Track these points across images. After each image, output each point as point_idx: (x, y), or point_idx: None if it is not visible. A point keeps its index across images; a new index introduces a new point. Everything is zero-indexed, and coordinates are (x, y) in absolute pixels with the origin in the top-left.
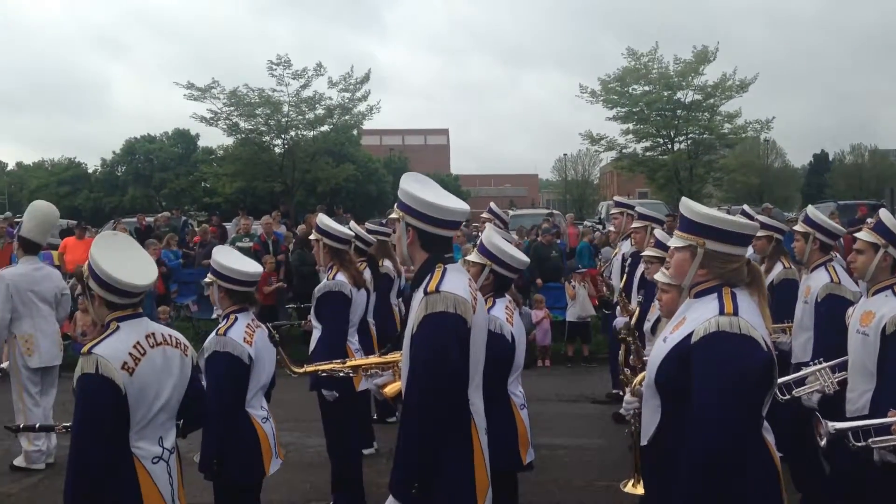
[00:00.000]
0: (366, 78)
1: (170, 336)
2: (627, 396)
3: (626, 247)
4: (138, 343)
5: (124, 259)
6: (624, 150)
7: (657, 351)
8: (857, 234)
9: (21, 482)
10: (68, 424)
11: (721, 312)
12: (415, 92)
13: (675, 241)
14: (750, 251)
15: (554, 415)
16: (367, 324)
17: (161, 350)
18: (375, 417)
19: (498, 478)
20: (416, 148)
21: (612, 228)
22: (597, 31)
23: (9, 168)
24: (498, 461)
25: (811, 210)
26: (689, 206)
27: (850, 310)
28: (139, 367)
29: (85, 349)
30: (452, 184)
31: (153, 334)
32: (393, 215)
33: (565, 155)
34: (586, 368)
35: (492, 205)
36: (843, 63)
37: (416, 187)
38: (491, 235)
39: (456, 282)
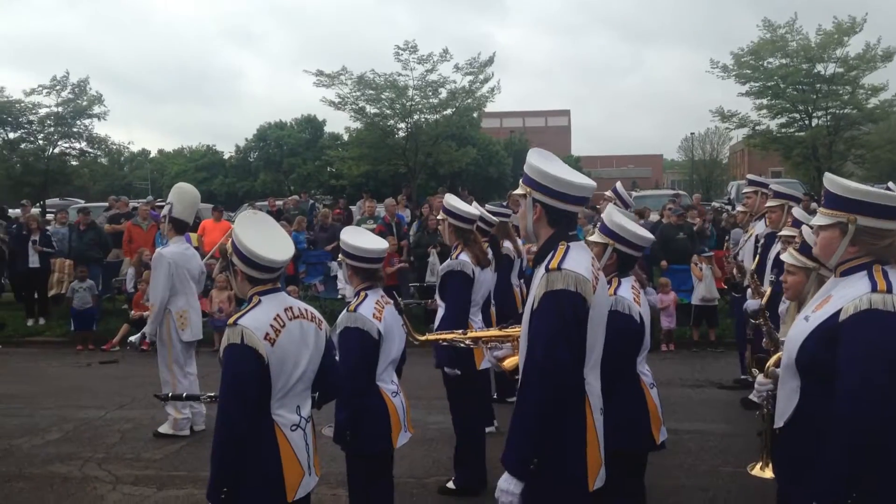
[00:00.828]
0: (490, 61)
1: (306, 310)
2: (760, 378)
3: (759, 227)
4: (278, 315)
5: (265, 237)
6: (757, 127)
7: (798, 330)
8: None
9: (164, 448)
10: (213, 395)
11: (874, 290)
12: (534, 73)
13: (820, 220)
14: None
15: (678, 399)
16: (489, 303)
17: (298, 323)
18: (496, 396)
19: (627, 457)
20: (537, 130)
21: (741, 209)
22: (726, 3)
23: (151, 155)
24: (629, 441)
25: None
26: (837, 182)
27: None
28: (280, 337)
29: (231, 321)
30: (573, 165)
31: (291, 308)
32: (519, 191)
33: (692, 134)
34: (712, 353)
35: (618, 185)
36: None
37: (544, 162)
38: (612, 213)
39: (579, 259)
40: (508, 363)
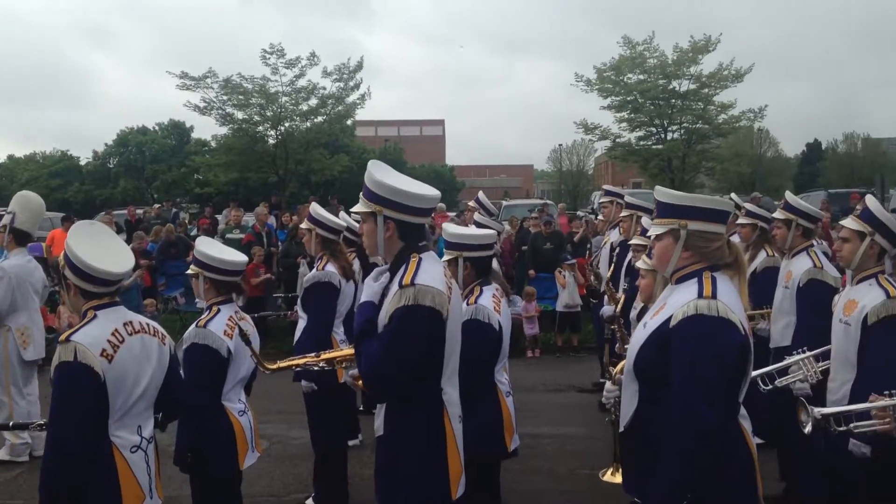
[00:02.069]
0: (359, 66)
1: (147, 324)
2: (608, 385)
3: (614, 236)
4: (116, 331)
5: (100, 248)
6: (618, 140)
7: (637, 337)
8: (842, 223)
9: (0, 475)
10: (43, 422)
11: (700, 296)
12: (407, 82)
13: (655, 230)
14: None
15: (540, 404)
16: (351, 316)
17: (139, 338)
18: (362, 409)
19: (480, 465)
20: (412, 139)
21: (600, 218)
22: (591, 19)
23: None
24: (481, 448)
25: (790, 196)
26: (665, 192)
27: (836, 297)
28: (118, 354)
29: (62, 338)
30: (448, 175)
31: (131, 322)
32: (363, 209)
33: (560, 145)
34: (575, 358)
35: (480, 194)
36: (836, 51)
37: (388, 176)
38: (447, 227)
39: (432, 272)
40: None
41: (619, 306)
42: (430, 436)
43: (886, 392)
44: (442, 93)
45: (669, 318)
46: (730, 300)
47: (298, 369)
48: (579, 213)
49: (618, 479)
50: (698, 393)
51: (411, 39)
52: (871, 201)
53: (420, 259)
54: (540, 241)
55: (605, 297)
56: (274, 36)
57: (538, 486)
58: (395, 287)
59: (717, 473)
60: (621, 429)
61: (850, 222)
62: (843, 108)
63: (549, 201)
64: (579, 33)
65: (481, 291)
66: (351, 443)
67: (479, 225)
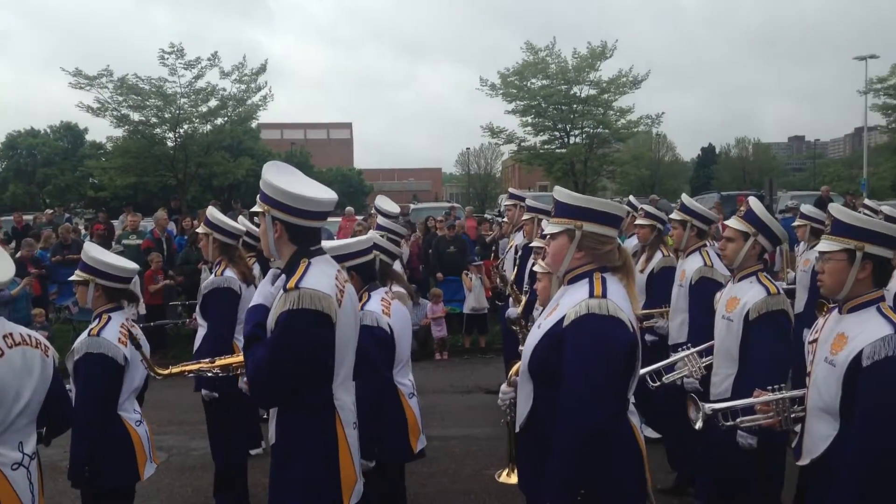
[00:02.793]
0: (262, 69)
1: (29, 336)
2: (503, 387)
3: (518, 238)
4: None
5: None
6: (523, 144)
7: (531, 338)
8: (727, 223)
9: None
10: None
11: (591, 295)
12: (311, 84)
13: (550, 228)
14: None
15: (448, 406)
16: None
17: (20, 350)
18: (265, 416)
19: (385, 470)
20: (319, 142)
21: (506, 220)
22: (494, 24)
23: None
24: (386, 453)
25: (686, 198)
26: (563, 192)
27: (718, 295)
28: None
29: None
30: (356, 178)
31: (11, 335)
32: (257, 208)
33: (468, 149)
34: (482, 359)
35: (378, 198)
36: (729, 59)
37: (282, 179)
38: (324, 245)
39: (320, 276)
40: None
41: (521, 308)
42: (321, 442)
43: (770, 387)
44: (347, 95)
45: (562, 319)
46: (619, 299)
47: (191, 375)
48: (486, 215)
49: (513, 479)
50: (588, 390)
51: (313, 41)
52: (754, 203)
53: (310, 263)
54: (444, 245)
55: (510, 298)
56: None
57: (444, 487)
58: (280, 292)
59: (607, 468)
60: (517, 429)
61: (734, 223)
62: (735, 114)
63: (456, 204)
64: (483, 38)
65: (369, 297)
66: (254, 452)
67: (382, 229)
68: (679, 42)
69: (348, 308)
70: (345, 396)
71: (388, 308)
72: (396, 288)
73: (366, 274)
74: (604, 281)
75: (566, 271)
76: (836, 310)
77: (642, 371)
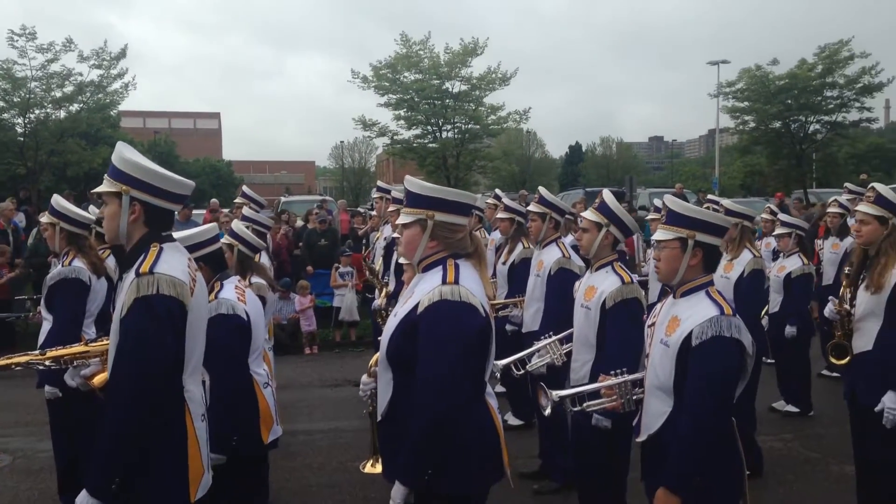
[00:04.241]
0: (122, 54)
1: None
2: (364, 377)
3: (387, 231)
4: None
5: None
6: (395, 137)
7: (389, 326)
8: (583, 214)
9: None
10: None
11: (444, 282)
12: (174, 71)
13: (403, 219)
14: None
15: (315, 400)
16: (107, 315)
17: None
18: None
19: (241, 463)
20: (185, 132)
21: (374, 213)
22: (365, 17)
23: None
24: (239, 446)
25: (543, 191)
26: (414, 182)
27: (577, 283)
28: None
29: None
30: (225, 170)
31: None
32: (108, 188)
33: (342, 142)
34: (353, 352)
35: (244, 188)
36: (594, 61)
37: (138, 156)
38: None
39: (173, 262)
40: (98, 380)
41: (385, 298)
42: (168, 434)
43: (613, 371)
44: (212, 83)
45: (417, 306)
46: (472, 285)
47: (19, 368)
48: (360, 209)
49: (378, 469)
50: (442, 375)
51: (172, 26)
52: (606, 195)
53: (161, 248)
54: (315, 238)
55: (377, 290)
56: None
57: (308, 481)
58: (131, 276)
59: (462, 450)
60: (379, 418)
61: (589, 214)
62: (600, 113)
63: (328, 198)
64: (353, 30)
65: (221, 286)
66: None
67: (246, 219)
68: (546, 42)
69: (200, 298)
70: (194, 388)
71: (243, 296)
72: (256, 279)
73: (214, 264)
74: (457, 267)
75: (420, 259)
76: (671, 294)
77: (507, 360)
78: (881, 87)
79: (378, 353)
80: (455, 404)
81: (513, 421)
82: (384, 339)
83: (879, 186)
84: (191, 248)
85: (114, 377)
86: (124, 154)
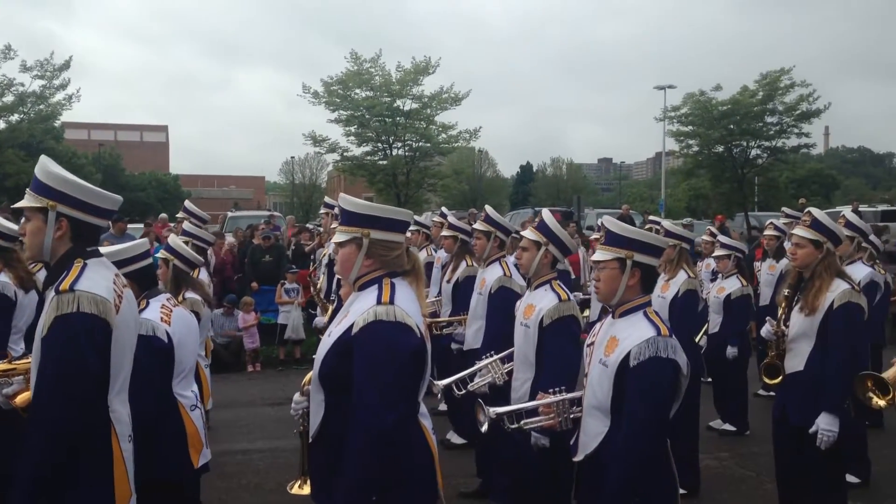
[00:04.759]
0: (66, 65)
1: None
2: (296, 396)
3: (332, 247)
4: None
5: None
6: (346, 154)
7: (323, 346)
8: (522, 233)
9: None
10: None
11: (379, 302)
12: (119, 83)
13: (338, 237)
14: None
15: (256, 419)
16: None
17: None
18: None
19: (164, 486)
20: (132, 144)
21: (322, 229)
22: (316, 33)
23: None
24: (163, 469)
25: (490, 210)
26: (349, 200)
27: (518, 303)
28: None
29: None
30: (172, 183)
31: None
32: (32, 204)
33: (293, 157)
34: (297, 371)
35: (187, 202)
36: (546, 83)
37: (63, 171)
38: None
39: (97, 278)
40: (20, 400)
41: (328, 315)
42: (93, 456)
43: (552, 389)
44: (159, 96)
45: (352, 326)
46: (407, 305)
47: None
48: (309, 225)
49: (306, 490)
50: (377, 395)
51: (117, 36)
52: (545, 215)
53: (85, 264)
54: (259, 254)
55: (319, 308)
56: None
57: (244, 502)
58: (51, 293)
59: (398, 471)
60: (310, 439)
61: (528, 233)
62: (551, 134)
63: (276, 213)
64: (304, 45)
65: (147, 304)
66: None
67: (186, 234)
68: (497, 63)
69: (127, 314)
70: (120, 408)
71: (169, 315)
72: (190, 294)
73: (143, 280)
74: (392, 286)
75: (356, 278)
76: (610, 314)
77: (448, 380)
78: (818, 114)
79: (311, 372)
80: (390, 426)
81: (455, 440)
82: (317, 360)
83: (815, 211)
84: (119, 264)
85: (35, 398)
86: (49, 168)
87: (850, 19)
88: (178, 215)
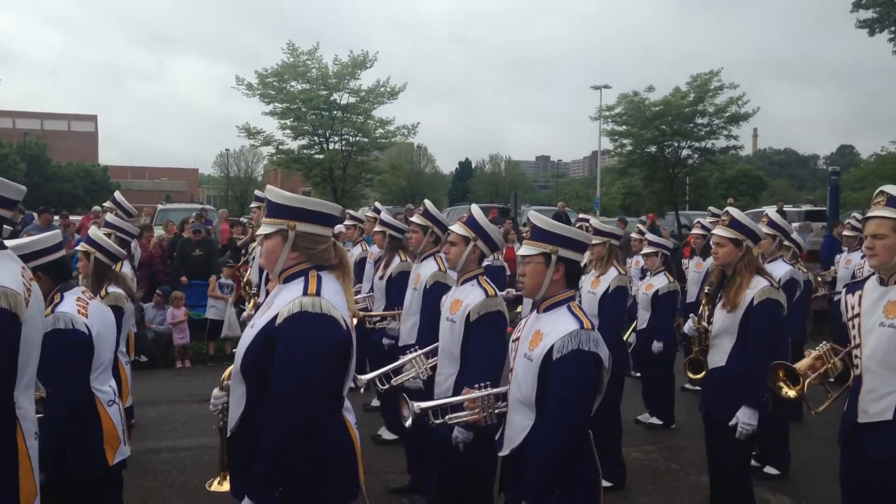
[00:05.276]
0: None
1: None
2: (215, 392)
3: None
4: None
5: None
6: (281, 147)
7: (245, 337)
8: (451, 228)
9: None
10: None
11: (305, 293)
12: (42, 70)
13: (263, 229)
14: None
15: (182, 416)
16: None
17: None
18: None
19: (80, 483)
20: (59, 134)
21: (254, 223)
22: (251, 23)
23: None
24: (76, 465)
25: (428, 204)
26: (275, 192)
27: (444, 297)
28: None
29: None
30: (101, 175)
31: None
32: None
33: (227, 150)
34: (227, 366)
35: (116, 194)
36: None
37: None
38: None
39: (4, 271)
40: None
41: (251, 308)
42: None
43: (477, 385)
44: (86, 85)
45: (276, 317)
46: (333, 297)
47: None
48: (243, 219)
49: (225, 486)
50: (298, 388)
51: (38, 21)
52: (475, 210)
53: None
54: (189, 248)
55: (248, 301)
56: None
57: (169, 501)
58: None
59: (317, 466)
60: (228, 434)
61: (457, 228)
62: (490, 131)
63: (208, 206)
64: (238, 36)
65: (62, 298)
66: None
67: (109, 226)
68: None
69: (35, 309)
70: (27, 404)
71: (86, 309)
72: (113, 289)
73: (56, 273)
74: (319, 279)
75: (281, 270)
76: (535, 309)
77: (372, 374)
78: (747, 118)
79: (231, 367)
80: (310, 418)
81: (387, 435)
82: (239, 351)
83: (733, 210)
84: (29, 257)
85: None
86: None
87: (778, 27)
88: (104, 204)
